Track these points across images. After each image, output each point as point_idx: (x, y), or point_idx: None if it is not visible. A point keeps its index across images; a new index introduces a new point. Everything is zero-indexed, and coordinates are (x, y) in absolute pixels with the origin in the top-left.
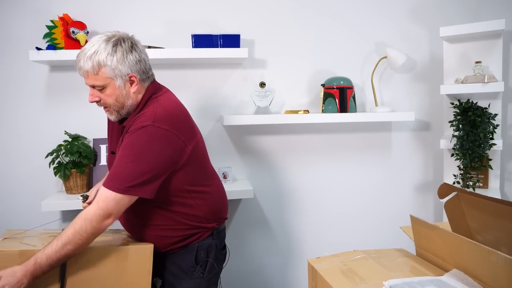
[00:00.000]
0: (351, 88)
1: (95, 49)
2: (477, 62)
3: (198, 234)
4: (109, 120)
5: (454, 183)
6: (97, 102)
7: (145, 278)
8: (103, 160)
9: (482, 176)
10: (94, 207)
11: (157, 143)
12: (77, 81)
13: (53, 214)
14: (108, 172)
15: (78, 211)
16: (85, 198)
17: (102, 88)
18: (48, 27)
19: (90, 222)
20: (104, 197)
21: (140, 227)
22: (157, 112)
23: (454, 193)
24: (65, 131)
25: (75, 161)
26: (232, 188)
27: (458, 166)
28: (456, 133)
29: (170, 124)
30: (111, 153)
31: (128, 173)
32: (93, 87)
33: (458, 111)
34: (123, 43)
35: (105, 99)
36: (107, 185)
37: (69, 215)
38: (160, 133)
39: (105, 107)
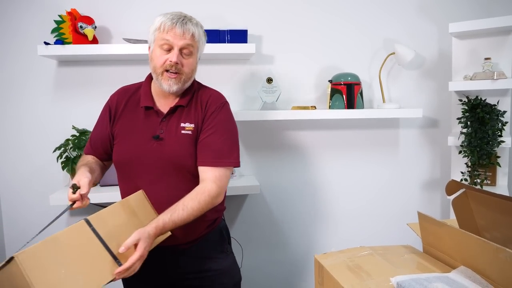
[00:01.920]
0: (359, 84)
1: (193, 18)
2: (486, 59)
3: (220, 216)
4: (126, 108)
5: (461, 180)
6: (176, 64)
7: (151, 213)
8: None
9: (490, 174)
10: (215, 186)
11: (233, 117)
12: (85, 76)
13: (61, 207)
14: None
15: None
16: (76, 188)
17: (187, 54)
18: (56, 22)
19: (214, 198)
20: (219, 176)
21: None
22: (216, 91)
23: (462, 190)
24: (72, 125)
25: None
26: (239, 184)
27: (465, 164)
28: (464, 130)
29: None
30: (154, 138)
31: (230, 147)
32: (181, 49)
33: (466, 108)
34: None
35: (185, 66)
36: (217, 163)
37: (76, 210)
38: (230, 108)
39: (175, 73)
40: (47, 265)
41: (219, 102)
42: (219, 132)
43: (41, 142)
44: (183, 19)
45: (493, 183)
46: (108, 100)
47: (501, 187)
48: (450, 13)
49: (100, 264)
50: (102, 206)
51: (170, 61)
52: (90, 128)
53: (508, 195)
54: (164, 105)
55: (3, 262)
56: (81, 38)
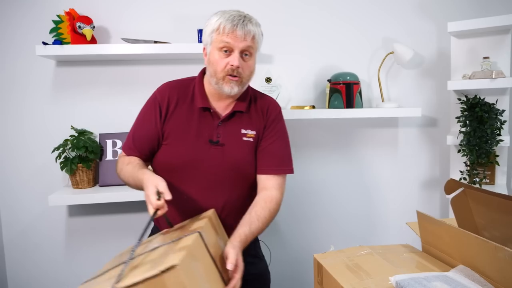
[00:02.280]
0: (358, 83)
1: (252, 17)
2: (485, 58)
3: None
4: (178, 110)
5: (460, 179)
6: (237, 68)
7: (223, 231)
8: (109, 154)
9: (489, 173)
10: (279, 194)
11: None
12: (84, 76)
13: (60, 208)
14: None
15: (84, 205)
16: (159, 194)
17: (248, 56)
18: (54, 22)
19: (279, 206)
20: (281, 183)
21: (235, 218)
22: (270, 97)
23: (460, 189)
24: (71, 126)
25: (81, 156)
26: None
27: (464, 162)
28: (463, 129)
29: None
30: (211, 142)
31: (289, 155)
32: (242, 52)
33: (465, 107)
34: None
35: (245, 69)
36: (279, 171)
37: (75, 210)
38: None
39: (235, 76)
40: (195, 277)
41: (278, 110)
42: (280, 140)
43: (39, 143)
44: (243, 20)
45: (492, 182)
46: (156, 96)
47: (500, 186)
48: (449, 12)
49: (216, 280)
50: (170, 223)
51: (232, 65)
52: (89, 128)
53: (507, 194)
54: (220, 107)
55: (157, 271)
56: (79, 38)
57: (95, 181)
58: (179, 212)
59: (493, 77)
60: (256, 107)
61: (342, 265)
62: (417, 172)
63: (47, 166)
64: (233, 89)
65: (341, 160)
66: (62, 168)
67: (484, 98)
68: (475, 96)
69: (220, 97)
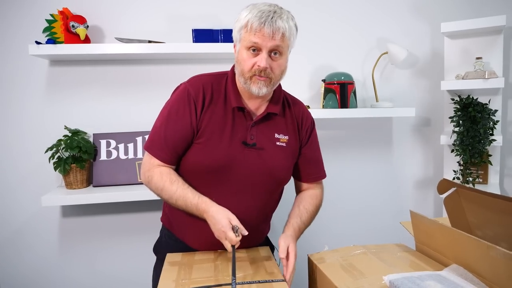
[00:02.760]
0: (352, 83)
1: (287, 14)
2: (477, 58)
3: None
4: (212, 111)
5: (454, 178)
6: (265, 69)
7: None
8: (103, 155)
9: (482, 172)
10: (322, 192)
11: None
12: (77, 76)
13: (53, 209)
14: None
15: (78, 206)
16: (236, 231)
17: (277, 56)
18: (47, 21)
19: (322, 203)
20: (323, 187)
21: (262, 221)
22: (301, 101)
23: (453, 189)
24: (65, 126)
25: (75, 156)
26: None
27: (458, 162)
28: (456, 129)
29: None
30: (246, 144)
31: (322, 160)
32: (271, 51)
33: (458, 107)
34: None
35: (275, 69)
36: (321, 176)
37: (68, 210)
38: None
39: (262, 77)
40: None
41: (310, 115)
42: (317, 147)
43: (33, 143)
44: (272, 16)
45: (485, 181)
46: (189, 90)
47: (492, 185)
48: (442, 13)
49: None
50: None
51: (259, 65)
52: (83, 128)
53: (499, 193)
54: (252, 107)
55: None
56: (73, 37)
57: (88, 182)
58: (201, 219)
59: (486, 77)
60: (291, 112)
61: (336, 265)
62: (411, 171)
63: (40, 166)
64: (261, 89)
65: (335, 160)
66: (55, 169)
67: (477, 98)
68: (468, 96)
69: (251, 96)
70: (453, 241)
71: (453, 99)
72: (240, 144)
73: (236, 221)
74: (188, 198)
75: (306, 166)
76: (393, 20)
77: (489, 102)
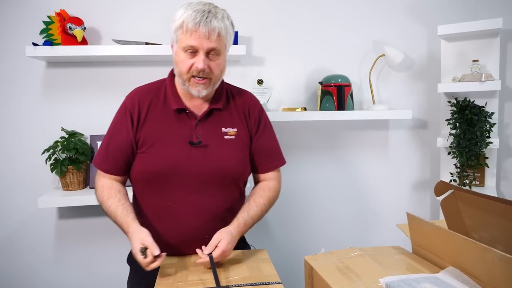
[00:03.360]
0: (349, 86)
1: (222, 13)
2: (474, 61)
3: None
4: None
5: (450, 181)
6: (203, 70)
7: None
8: None
9: (479, 175)
10: (277, 184)
11: None
12: (74, 77)
13: (50, 210)
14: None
15: (75, 207)
16: (144, 252)
17: (215, 56)
18: (45, 22)
19: (277, 196)
20: (279, 175)
21: (227, 217)
22: (246, 90)
23: (450, 191)
24: (61, 127)
25: (71, 158)
26: None
27: (454, 165)
28: (453, 132)
29: None
30: (192, 144)
31: (279, 146)
32: (208, 52)
33: (455, 109)
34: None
35: (214, 69)
36: (277, 164)
37: (65, 212)
38: None
39: (203, 78)
40: None
41: (259, 104)
42: (269, 134)
43: (29, 144)
44: (207, 16)
45: (482, 183)
46: (126, 104)
47: (489, 188)
48: (439, 16)
49: None
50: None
51: (197, 67)
52: (79, 130)
53: (496, 195)
54: (195, 106)
55: None
56: (70, 39)
57: (85, 183)
58: (167, 220)
59: (483, 80)
60: (236, 103)
61: (332, 267)
62: (407, 174)
63: (37, 168)
64: (201, 92)
65: (332, 162)
66: (52, 170)
67: (473, 101)
68: (465, 98)
69: (192, 96)
70: (450, 244)
71: (449, 102)
72: (187, 145)
73: (148, 242)
74: (117, 216)
75: (260, 156)
76: (389, 23)
77: (485, 104)
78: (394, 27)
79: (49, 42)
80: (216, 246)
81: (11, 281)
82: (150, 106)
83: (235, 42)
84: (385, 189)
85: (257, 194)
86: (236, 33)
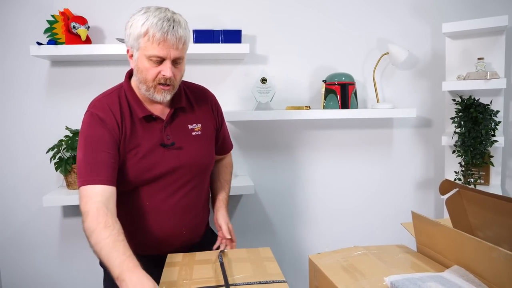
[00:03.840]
0: (353, 84)
1: (183, 20)
2: (479, 59)
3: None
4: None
5: (455, 180)
6: (170, 78)
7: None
8: None
9: (483, 173)
10: (230, 156)
11: None
12: (78, 76)
13: (54, 209)
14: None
15: (79, 206)
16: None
17: (179, 63)
18: (49, 21)
19: (233, 165)
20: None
21: (200, 210)
22: (199, 84)
23: (455, 190)
24: (66, 126)
25: (76, 156)
26: (233, 184)
27: (459, 163)
28: (458, 130)
29: None
30: (164, 146)
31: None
32: (174, 60)
33: (460, 107)
34: None
35: (177, 75)
36: (230, 147)
37: (69, 210)
38: None
39: (167, 85)
40: None
41: (214, 96)
42: (224, 122)
43: (34, 143)
44: (173, 26)
45: (487, 182)
46: (96, 115)
47: (494, 187)
48: (443, 13)
49: None
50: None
51: (164, 75)
52: None
53: (501, 194)
54: (157, 110)
55: None
56: (74, 38)
57: None
58: (145, 220)
59: (488, 78)
60: (196, 99)
61: (337, 266)
62: (411, 172)
63: (41, 167)
64: (165, 97)
65: (336, 161)
66: (56, 169)
67: (478, 99)
68: (470, 97)
69: (153, 100)
70: (455, 243)
71: (454, 100)
72: (159, 147)
73: None
74: (116, 251)
75: (222, 143)
76: (393, 21)
77: (490, 103)
78: (398, 25)
79: (53, 41)
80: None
81: (16, 279)
82: (122, 113)
83: (239, 40)
84: (389, 188)
85: (223, 172)
86: (240, 31)
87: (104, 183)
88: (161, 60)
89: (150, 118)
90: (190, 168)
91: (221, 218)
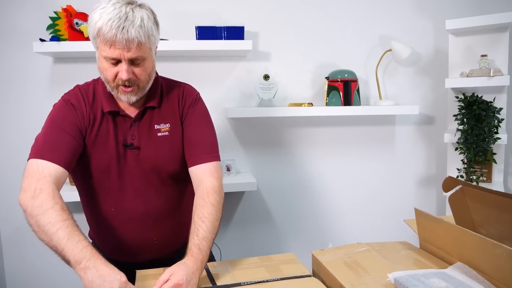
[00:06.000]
0: (355, 81)
1: (141, 15)
2: (482, 56)
3: None
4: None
5: (457, 177)
6: (128, 80)
7: None
8: None
9: (486, 170)
10: (215, 180)
11: None
12: (81, 73)
13: None
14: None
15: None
16: None
17: (139, 63)
18: (51, 18)
19: (221, 193)
20: (215, 169)
21: (178, 223)
22: (186, 83)
23: (458, 187)
24: None
25: None
26: (236, 181)
27: (462, 160)
28: (461, 127)
29: None
30: (126, 146)
31: (215, 139)
32: (131, 61)
33: (462, 104)
34: (150, 8)
35: (140, 75)
36: (212, 157)
37: (72, 206)
38: None
39: (129, 86)
40: None
41: (194, 94)
42: (203, 125)
43: None
44: (123, 26)
45: (489, 179)
46: (68, 100)
47: (496, 184)
48: (447, 10)
49: None
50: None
51: (121, 77)
52: None
53: (503, 191)
54: (129, 107)
55: None
56: (77, 34)
57: None
58: (113, 226)
59: (491, 75)
60: (169, 98)
61: (340, 262)
62: (414, 169)
63: None
64: (130, 99)
65: (338, 158)
66: None
67: (481, 96)
68: (473, 94)
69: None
70: (458, 239)
71: (457, 97)
72: (122, 147)
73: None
74: (77, 235)
75: (191, 148)
76: (396, 17)
77: (494, 100)
78: (401, 21)
79: (56, 38)
80: (167, 280)
81: (17, 277)
82: (93, 106)
83: (241, 37)
84: (392, 185)
85: (199, 206)
86: (242, 28)
87: (61, 165)
88: (116, 62)
89: (118, 114)
90: (150, 172)
91: (172, 267)
